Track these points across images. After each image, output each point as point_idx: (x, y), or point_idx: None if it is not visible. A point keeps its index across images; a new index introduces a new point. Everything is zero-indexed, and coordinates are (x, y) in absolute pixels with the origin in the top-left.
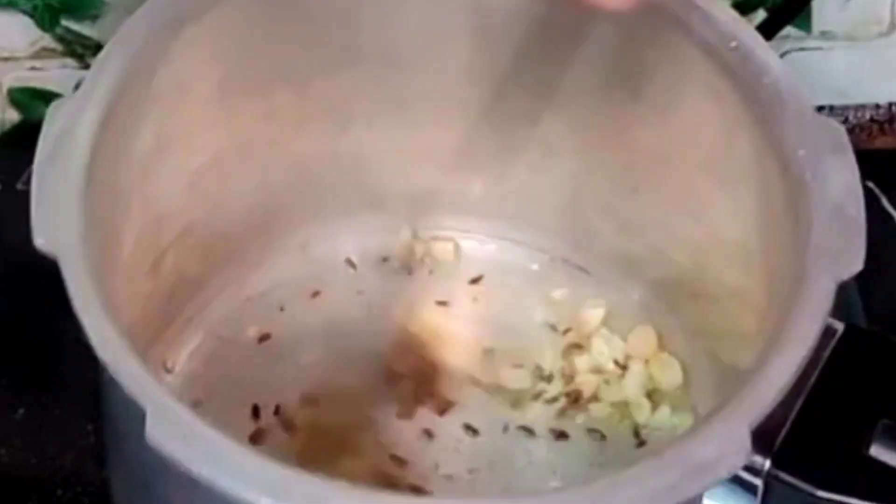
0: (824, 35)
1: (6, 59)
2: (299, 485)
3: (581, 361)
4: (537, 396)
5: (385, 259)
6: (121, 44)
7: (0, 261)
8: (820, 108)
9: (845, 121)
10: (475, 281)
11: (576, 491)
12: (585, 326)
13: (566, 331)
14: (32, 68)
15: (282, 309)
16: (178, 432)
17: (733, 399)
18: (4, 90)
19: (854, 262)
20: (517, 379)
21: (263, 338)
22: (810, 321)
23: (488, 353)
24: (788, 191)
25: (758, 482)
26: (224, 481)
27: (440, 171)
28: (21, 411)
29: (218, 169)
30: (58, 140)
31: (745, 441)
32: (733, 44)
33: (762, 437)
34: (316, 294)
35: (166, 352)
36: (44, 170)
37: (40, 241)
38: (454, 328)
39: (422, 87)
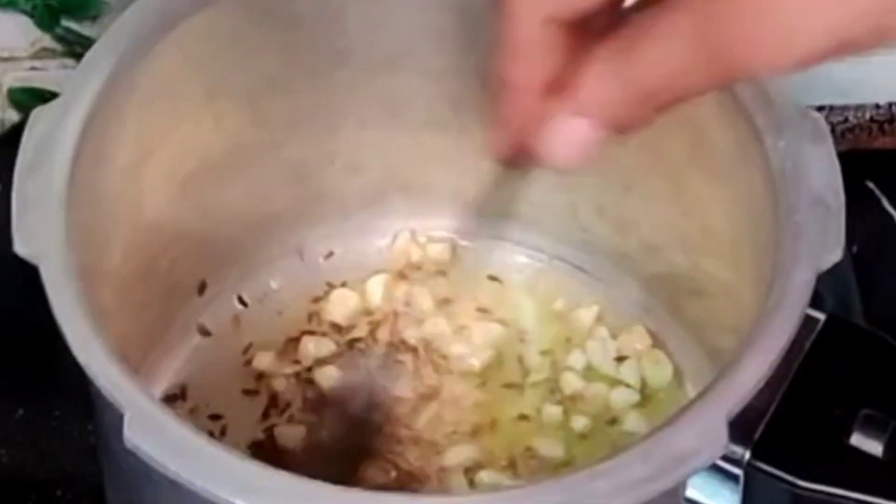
0: None
1: (6, 59)
2: (276, 486)
3: (575, 361)
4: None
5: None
6: (104, 49)
7: (0, 261)
8: (820, 108)
9: (845, 121)
10: (473, 281)
11: (552, 482)
12: (580, 327)
13: (562, 333)
14: (32, 68)
15: (280, 314)
16: (156, 435)
17: (711, 389)
18: (4, 90)
19: (833, 251)
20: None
21: None
22: (789, 311)
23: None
24: (768, 182)
25: (738, 472)
26: (202, 483)
27: (434, 172)
28: (21, 411)
29: (209, 174)
30: (39, 146)
31: (723, 431)
32: None
33: (743, 427)
34: (316, 299)
35: (162, 358)
36: (25, 176)
37: (21, 248)
38: (452, 333)
39: (413, 88)
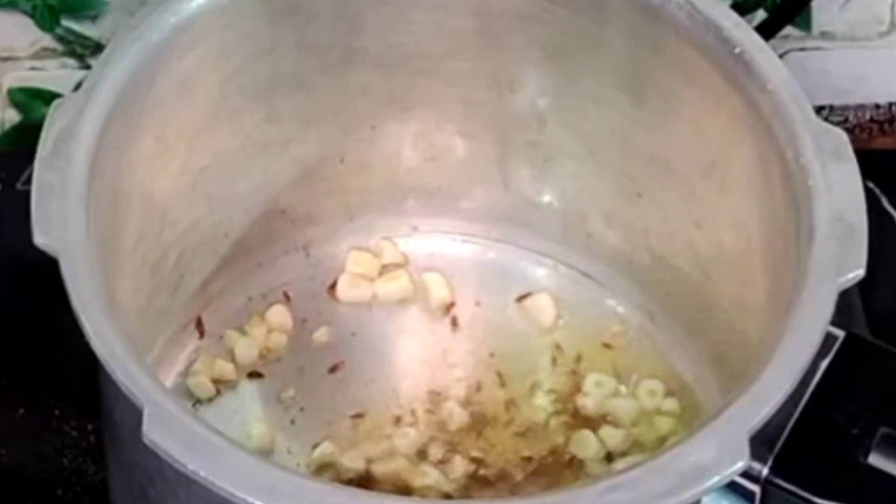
0: (824, 35)
1: (6, 59)
2: (294, 486)
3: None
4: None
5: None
6: (123, 43)
7: (0, 261)
8: (820, 108)
9: (845, 121)
10: (479, 285)
11: (572, 494)
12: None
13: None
14: (32, 68)
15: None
16: (175, 432)
17: (732, 405)
18: (4, 90)
19: (855, 269)
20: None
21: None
22: (811, 329)
23: (489, 363)
24: (790, 198)
25: (755, 489)
26: (220, 482)
27: (444, 174)
28: (21, 411)
29: (220, 169)
30: (58, 138)
31: (744, 447)
32: (737, 50)
33: (760, 444)
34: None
35: (168, 351)
36: (44, 168)
37: (41, 238)
38: (457, 336)
39: (426, 90)
